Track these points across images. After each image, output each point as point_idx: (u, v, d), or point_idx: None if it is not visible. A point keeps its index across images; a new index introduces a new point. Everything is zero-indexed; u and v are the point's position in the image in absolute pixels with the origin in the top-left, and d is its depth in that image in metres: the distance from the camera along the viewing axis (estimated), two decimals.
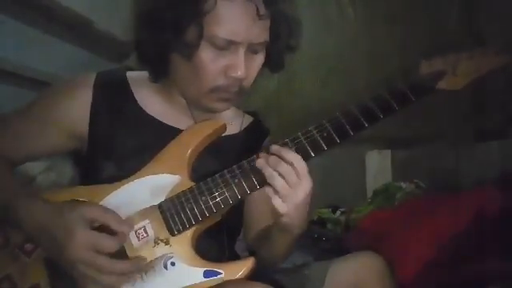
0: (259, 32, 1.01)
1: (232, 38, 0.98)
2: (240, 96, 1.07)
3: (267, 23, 1.03)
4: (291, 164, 0.93)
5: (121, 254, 0.95)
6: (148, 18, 1.01)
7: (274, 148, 0.96)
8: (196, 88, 1.04)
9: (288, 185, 0.93)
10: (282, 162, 0.94)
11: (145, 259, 0.96)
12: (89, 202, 0.98)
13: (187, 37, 0.99)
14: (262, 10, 0.99)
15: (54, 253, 0.93)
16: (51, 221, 0.92)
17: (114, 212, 0.96)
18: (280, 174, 0.93)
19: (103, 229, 0.94)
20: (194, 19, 0.97)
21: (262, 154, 0.97)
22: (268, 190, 0.95)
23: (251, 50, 1.02)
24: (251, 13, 0.98)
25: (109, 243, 0.91)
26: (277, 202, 0.94)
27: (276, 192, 0.94)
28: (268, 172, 0.94)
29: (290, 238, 1.04)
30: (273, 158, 0.94)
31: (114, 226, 0.93)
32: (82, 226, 0.91)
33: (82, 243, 0.89)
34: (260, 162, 0.95)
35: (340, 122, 0.99)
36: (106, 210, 0.96)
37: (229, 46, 0.99)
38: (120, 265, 0.92)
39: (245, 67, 1.00)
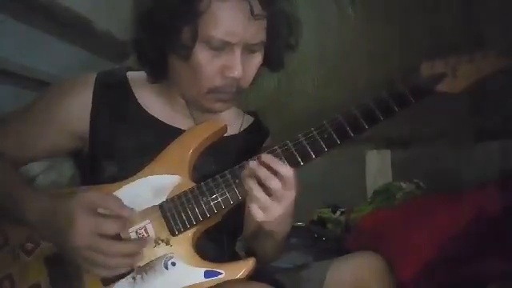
0: (255, 32, 1.00)
1: (227, 38, 0.98)
2: (239, 96, 1.07)
3: (263, 23, 1.02)
4: (281, 178, 0.92)
5: None
6: (145, 19, 1.01)
7: (266, 158, 0.95)
8: (194, 89, 1.04)
9: (272, 198, 0.93)
10: (272, 176, 0.92)
11: (149, 239, 0.97)
12: (88, 188, 0.98)
13: (183, 38, 0.98)
14: (257, 10, 0.98)
15: (59, 243, 0.93)
16: (53, 212, 0.93)
17: (114, 196, 0.96)
18: (265, 186, 0.92)
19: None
20: (188, 20, 0.97)
21: (252, 162, 0.95)
22: (247, 197, 0.95)
23: (248, 49, 1.02)
24: (246, 13, 0.97)
25: (110, 225, 0.91)
26: (256, 212, 0.94)
27: (257, 201, 0.93)
28: (249, 184, 0.94)
29: (275, 242, 1.05)
30: (263, 171, 0.93)
31: (115, 208, 0.93)
32: (81, 212, 0.91)
33: (84, 229, 0.89)
34: (245, 173, 0.95)
35: (340, 123, 1.00)
36: (105, 194, 0.96)
37: (224, 46, 0.99)
38: (124, 245, 0.93)
39: (242, 67, 1.00)
